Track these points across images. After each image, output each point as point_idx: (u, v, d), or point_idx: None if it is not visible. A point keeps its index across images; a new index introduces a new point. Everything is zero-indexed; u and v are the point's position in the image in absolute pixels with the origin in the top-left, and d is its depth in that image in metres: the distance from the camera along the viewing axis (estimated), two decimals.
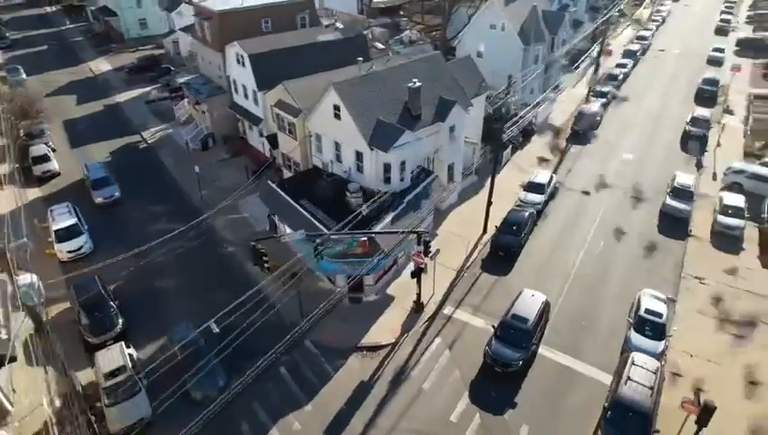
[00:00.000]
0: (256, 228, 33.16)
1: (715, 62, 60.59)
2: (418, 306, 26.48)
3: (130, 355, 22.60)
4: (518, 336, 23.02)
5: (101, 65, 64.53)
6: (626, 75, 55.49)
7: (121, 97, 54.23)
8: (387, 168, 27.87)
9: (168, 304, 27.37)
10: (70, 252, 30.20)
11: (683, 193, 33.12)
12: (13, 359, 20.91)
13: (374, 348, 24.65)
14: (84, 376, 22.78)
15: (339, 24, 42.51)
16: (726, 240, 30.84)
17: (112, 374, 21.22)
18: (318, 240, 23.46)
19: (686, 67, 59.98)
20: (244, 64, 36.79)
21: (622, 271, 28.95)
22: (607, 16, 56.50)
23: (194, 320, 24.48)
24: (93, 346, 23.40)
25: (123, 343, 23.02)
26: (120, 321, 24.91)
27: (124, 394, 20.73)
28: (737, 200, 31.92)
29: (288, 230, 30.37)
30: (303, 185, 29.78)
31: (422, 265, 24.74)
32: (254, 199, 35.54)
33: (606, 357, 23.72)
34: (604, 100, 48.34)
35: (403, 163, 28.20)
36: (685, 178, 34.22)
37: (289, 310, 26.47)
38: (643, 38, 66.85)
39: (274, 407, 21.75)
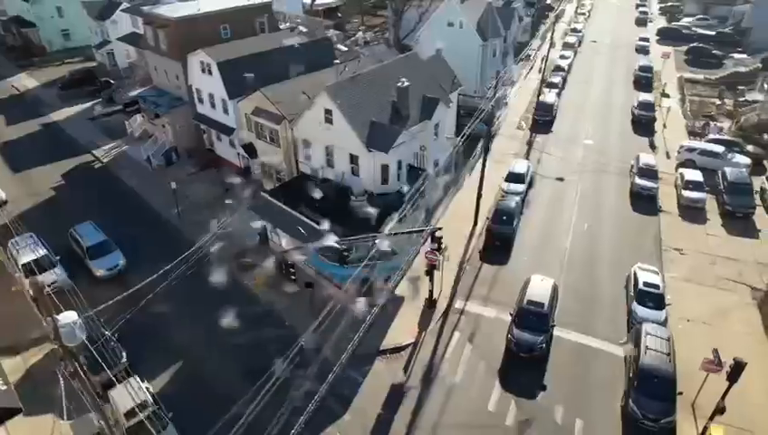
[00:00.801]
0: (247, 242, 31.93)
1: (642, 51, 65.45)
2: (431, 303, 26.71)
3: (147, 389, 21.08)
4: (536, 321, 23.84)
5: (26, 81, 59.38)
6: (569, 66, 58.76)
7: (59, 115, 50.16)
8: (384, 169, 27.83)
9: (167, 332, 25.78)
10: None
11: (649, 172, 35.68)
12: (17, 411, 18.83)
13: (396, 350, 24.58)
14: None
15: (302, 28, 41.70)
16: (692, 213, 33.59)
17: (134, 412, 19.68)
18: (344, 245, 22.99)
19: (619, 56, 64.49)
20: (210, 73, 35.21)
21: (609, 249, 30.74)
22: (557, 12, 59.49)
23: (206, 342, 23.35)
24: (102, 385, 21.56)
25: (137, 376, 21.40)
26: (124, 354, 23.18)
27: (152, 432, 19.28)
28: (697, 175, 34.86)
29: (284, 241, 29.68)
30: (296, 193, 29.00)
31: (435, 263, 24.99)
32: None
33: (615, 331, 25.15)
34: (557, 90, 50.93)
35: (399, 163, 28.31)
36: (648, 159, 36.88)
37: (298, 320, 25.85)
38: (576, 30, 71.07)
39: (311, 421, 21.10)
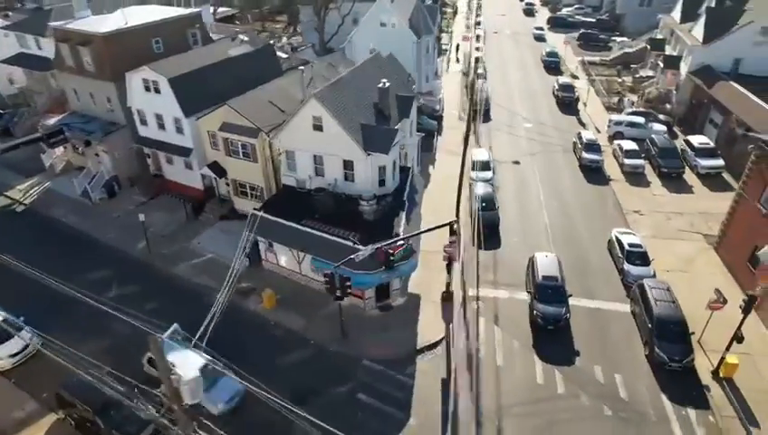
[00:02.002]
0: (235, 265, 29.87)
1: (540, 39, 71.73)
2: (449, 295, 27.23)
3: None
4: (555, 294, 25.49)
5: None
6: (484, 57, 62.57)
7: None
8: (381, 170, 27.73)
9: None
10: (12, 356, 23.73)
11: (593, 147, 39.50)
12: None
13: (432, 346, 24.80)
14: None
15: (243, 37, 39.53)
16: (636, 178, 37.86)
17: None
18: (391, 251, 22.57)
19: (522, 44, 69.93)
20: (158, 91, 32.24)
21: (581, 219, 33.62)
22: (453, 6, 62.59)
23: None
24: None
25: None
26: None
27: None
28: (633, 145, 39.32)
29: (283, 258, 28.40)
30: (290, 207, 27.77)
31: (454, 255, 25.57)
32: (210, 235, 32.08)
33: (615, 291, 27.71)
34: (483, 80, 54.00)
35: (394, 163, 28.40)
36: (589, 135, 40.79)
37: (322, 335, 25.10)
38: (478, 23, 75.68)
39: (379, 432, 20.64)
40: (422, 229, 25.72)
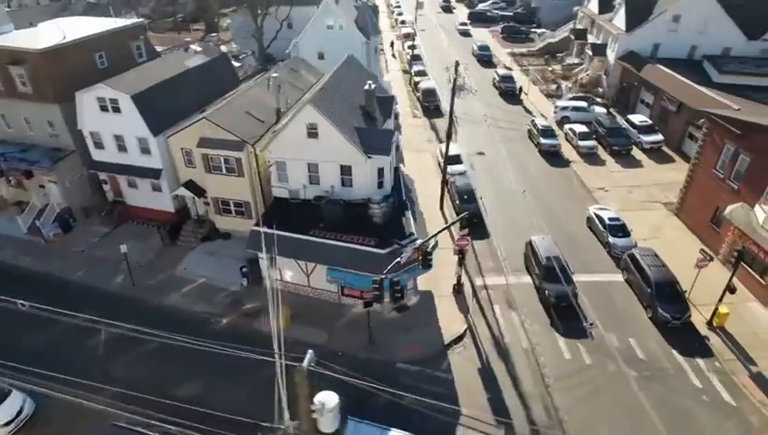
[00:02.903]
0: (230, 288, 28.27)
1: (465, 34, 74.67)
2: (459, 287, 27.82)
3: None
4: (561, 273, 26.96)
5: None
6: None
7: None
8: (380, 172, 27.58)
9: (205, 407, 21.87)
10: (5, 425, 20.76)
11: (549, 132, 42.07)
12: None
13: (458, 339, 25.21)
14: None
15: (195, 47, 37.08)
16: (591, 158, 40.90)
17: None
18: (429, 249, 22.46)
19: (450, 40, 72.29)
20: (118, 110, 29.53)
21: (555, 200, 35.70)
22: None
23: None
24: None
25: None
26: None
27: None
28: (585, 128, 42.39)
29: (289, 273, 27.40)
30: (291, 220, 26.71)
31: (466, 248, 26.19)
32: (195, 259, 30.10)
33: (605, 264, 29.84)
34: (427, 76, 55.25)
35: (390, 163, 28.36)
36: (543, 121, 43.38)
37: (348, 345, 24.62)
38: (404, 22, 77.12)
39: (438, 430, 20.65)
40: (445, 226, 25.99)
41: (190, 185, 30.56)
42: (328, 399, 10.92)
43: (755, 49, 44.82)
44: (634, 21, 46.89)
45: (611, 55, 49.90)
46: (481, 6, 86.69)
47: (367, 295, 25.93)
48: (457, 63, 30.41)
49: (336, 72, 31.23)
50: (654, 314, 25.64)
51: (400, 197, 28.45)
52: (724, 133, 28.87)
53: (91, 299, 27.38)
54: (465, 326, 25.87)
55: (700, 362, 23.77)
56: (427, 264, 23.12)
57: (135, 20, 38.47)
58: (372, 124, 29.07)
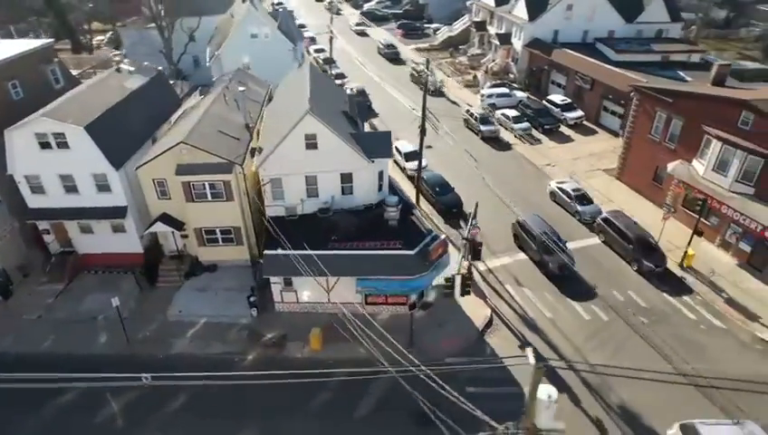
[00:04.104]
0: (240, 321, 26.10)
1: (362, 34, 75.75)
2: (470, 275, 28.72)
3: None
4: (557, 245, 29.26)
5: None
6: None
7: None
8: (380, 175, 27.38)
9: None
10: None
11: (487, 120, 44.81)
12: None
13: (489, 323, 26.17)
14: None
15: (127, 67, 32.58)
16: (527, 138, 44.45)
17: None
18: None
19: (349, 40, 72.74)
20: (66, 145, 25.48)
21: (512, 180, 38.25)
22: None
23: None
24: None
25: None
26: None
27: None
28: (516, 112, 45.82)
29: (306, 293, 26.15)
30: (298, 238, 25.38)
31: (477, 237, 27.25)
32: (186, 299, 27.33)
33: (579, 230, 32.88)
34: (347, 78, 55.24)
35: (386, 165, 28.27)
36: (479, 110, 45.97)
37: (390, 353, 24.26)
38: (303, 26, 75.80)
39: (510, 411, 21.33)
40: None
41: (166, 218, 27.44)
42: (552, 392, 11.01)
43: (633, 30, 52.14)
44: (535, 11, 51.69)
45: (518, 43, 54.47)
46: (368, 6, 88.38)
47: (394, 299, 25.98)
48: (428, 61, 31.17)
49: (314, 79, 30.07)
50: (639, 267, 29.04)
51: (401, 197, 28.52)
52: (655, 102, 33.44)
53: (77, 367, 23.35)
54: (489, 310, 26.97)
55: (687, 298, 27.56)
56: (477, 255, 23.64)
57: (44, 40, 33.06)
58: (356, 128, 28.71)
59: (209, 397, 21.94)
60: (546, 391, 11.03)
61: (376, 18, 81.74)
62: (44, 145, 25.51)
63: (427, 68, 30.95)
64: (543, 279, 28.97)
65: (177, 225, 27.59)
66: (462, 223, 30.92)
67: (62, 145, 25.55)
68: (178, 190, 26.40)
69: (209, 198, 26.52)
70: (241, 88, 29.45)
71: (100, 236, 28.52)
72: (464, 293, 23.63)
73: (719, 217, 30.07)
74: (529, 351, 11.28)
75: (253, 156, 26.80)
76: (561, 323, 26.10)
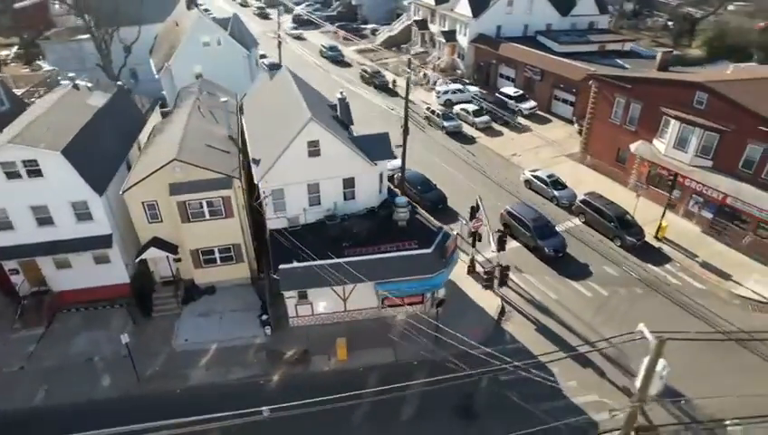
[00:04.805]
0: (254, 341, 24.87)
1: (298, 38, 74.51)
2: (473, 267, 29.40)
3: None
4: (549, 230, 30.72)
5: None
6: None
7: None
8: (381, 177, 27.20)
9: None
10: None
11: (449, 116, 45.86)
12: None
13: (501, 312, 26.88)
14: None
15: (85, 83, 29.41)
16: (489, 131, 46.02)
17: None
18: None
19: (290, 44, 71.12)
20: (39, 173, 22.92)
21: (495, 171, 39.45)
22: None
23: None
24: None
25: None
26: None
27: None
28: (475, 107, 47.25)
29: (322, 304, 25.45)
30: (309, 248, 24.64)
31: (480, 228, 27.92)
32: (189, 326, 25.69)
33: (559, 214, 34.61)
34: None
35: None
36: (439, 106, 46.91)
37: (417, 353, 24.41)
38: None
39: (541, 393, 22.10)
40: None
41: (158, 243, 25.50)
42: (664, 363, 11.53)
43: (567, 23, 55.62)
44: (478, 7, 53.55)
45: (463, 40, 56.15)
46: (298, 9, 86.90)
47: (410, 300, 25.99)
48: (410, 61, 31.33)
49: (302, 86, 29.18)
50: (623, 242, 31.16)
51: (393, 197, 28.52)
52: (613, 89, 35.97)
53: (84, 418, 21.26)
54: (499, 299, 27.73)
55: (668, 266, 29.99)
56: (503, 246, 24.12)
57: None
58: (345, 130, 28.32)
59: (255, 426, 20.72)
60: (660, 362, 11.65)
61: (309, 23, 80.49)
62: (11, 175, 22.76)
63: (409, 67, 31.13)
64: (540, 263, 30.23)
65: (170, 248, 25.73)
66: (461, 218, 31.34)
67: (34, 173, 22.94)
68: (172, 211, 24.68)
69: (207, 216, 25.02)
70: (223, 99, 27.99)
71: (81, 270, 25.93)
72: (502, 284, 24.00)
73: (681, 190, 32.95)
74: (642, 325, 11.75)
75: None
76: (567, 302, 27.43)
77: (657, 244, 31.68)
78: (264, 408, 14.41)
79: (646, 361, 11.84)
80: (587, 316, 26.50)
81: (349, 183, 26.36)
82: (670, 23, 74.41)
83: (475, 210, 27.81)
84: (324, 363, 23.88)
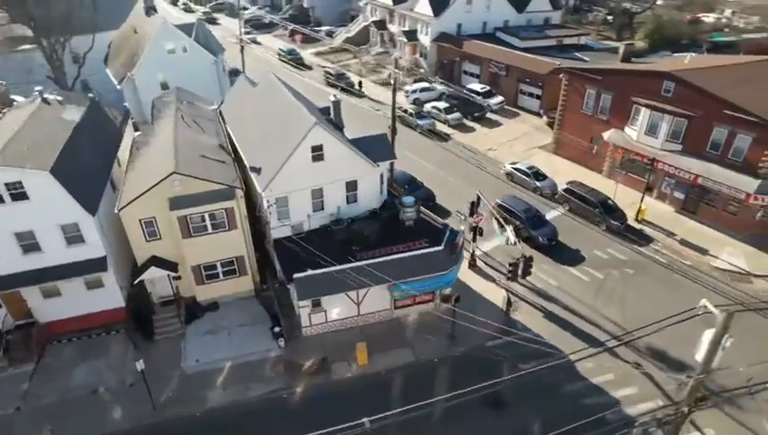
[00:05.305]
0: (269, 355, 24.10)
1: (254, 42, 72.79)
2: (474, 261, 29.86)
3: None
4: (539, 219, 31.73)
5: None
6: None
7: None
8: (381, 178, 27.09)
9: None
10: None
11: (422, 115, 46.32)
12: None
13: (509, 303, 27.45)
14: None
15: (54, 96, 27.05)
16: (462, 127, 46.86)
17: None
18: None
19: (247, 48, 69.36)
20: (24, 196, 21.16)
21: (463, 167, 40.08)
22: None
23: None
24: None
25: None
26: None
27: None
28: (446, 104, 47.92)
29: (335, 310, 25.10)
30: (319, 255, 24.14)
31: (480, 223, 28.42)
32: (197, 346, 24.60)
33: (542, 203, 35.79)
34: None
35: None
36: (411, 106, 47.23)
37: (435, 351, 24.58)
38: None
39: (561, 378, 22.83)
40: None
41: (157, 262, 24.17)
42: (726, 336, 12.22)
43: (523, 19, 57.56)
44: (439, 7, 54.35)
45: (424, 39, 56.81)
46: (248, 13, 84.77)
47: (420, 299, 26.09)
48: (396, 61, 31.34)
49: (281, 88, 28.50)
50: (607, 227, 32.69)
51: (392, 197, 28.55)
52: (584, 81, 37.62)
53: None
54: (504, 290, 28.32)
55: (652, 246, 31.74)
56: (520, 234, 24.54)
57: None
58: (339, 130, 28.04)
59: None
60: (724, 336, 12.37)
61: (262, 25, 78.90)
62: None
63: (396, 66, 31.15)
64: (535, 252, 31.08)
65: (171, 266, 24.46)
66: (458, 213, 31.65)
67: (19, 197, 21.14)
68: (171, 227, 23.50)
69: (209, 229, 23.99)
70: (212, 107, 26.91)
71: (71, 297, 24.14)
72: (525, 274, 24.44)
73: (654, 173, 34.96)
74: (705, 301, 12.43)
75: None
76: (568, 288, 28.46)
77: (638, 226, 33.47)
78: (364, 419, 14.05)
79: (709, 333, 12.53)
80: (588, 299, 27.59)
81: (351, 186, 26.11)
82: (609, 17, 78.69)
83: (475, 205, 28.22)
84: (346, 370, 23.51)
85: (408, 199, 26.02)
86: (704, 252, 31.13)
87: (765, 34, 67.89)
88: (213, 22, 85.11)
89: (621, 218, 32.65)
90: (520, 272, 23.85)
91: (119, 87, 40.03)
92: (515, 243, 25.11)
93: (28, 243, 22.28)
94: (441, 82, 55.41)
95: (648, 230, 33.08)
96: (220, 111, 31.93)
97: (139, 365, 20.18)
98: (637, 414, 20.95)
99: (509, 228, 25.40)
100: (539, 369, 20.09)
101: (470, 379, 19.36)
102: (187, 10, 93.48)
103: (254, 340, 24.67)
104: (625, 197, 34.64)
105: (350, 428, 14.09)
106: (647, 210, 33.71)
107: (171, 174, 22.45)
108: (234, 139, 28.86)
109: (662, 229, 33.02)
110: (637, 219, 33.71)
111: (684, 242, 31.90)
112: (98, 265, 23.39)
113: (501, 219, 27.23)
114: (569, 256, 30.81)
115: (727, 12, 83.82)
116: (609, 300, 27.52)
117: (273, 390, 22.50)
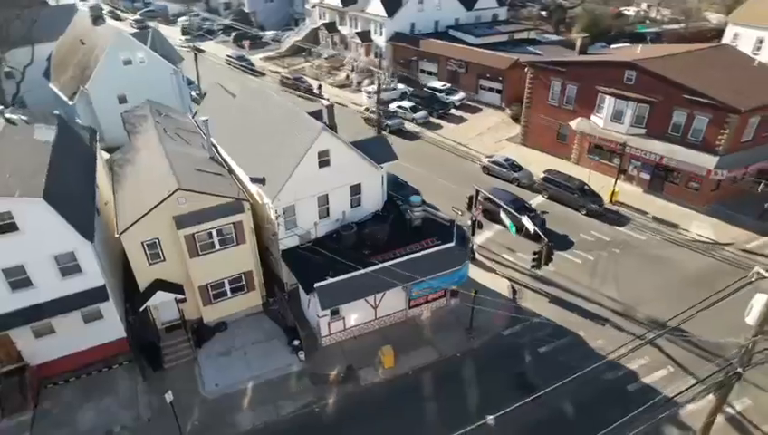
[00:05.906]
0: (291, 369, 23.31)
1: (198, 50, 69.51)
2: (473, 253, 30.39)
3: None
4: (528, 209, 32.73)
5: None
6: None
7: None
8: (383, 180, 26.93)
9: None
10: None
11: (392, 115, 46.46)
12: None
13: (513, 291, 28.26)
14: None
15: (17, 116, 24.16)
16: (429, 125, 47.47)
17: None
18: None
19: (189, 57, 66.30)
20: (13, 227, 19.14)
21: (439, 164, 40.77)
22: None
23: None
24: None
25: None
26: None
27: None
28: (411, 103, 48.34)
29: (354, 316, 24.75)
30: (333, 264, 23.58)
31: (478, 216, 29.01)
32: (213, 370, 23.43)
33: (522, 193, 36.95)
34: None
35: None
36: (382, 106, 47.11)
37: (455, 345, 24.88)
38: None
39: (575, 360, 23.75)
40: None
41: (162, 286, 22.64)
42: None
43: (473, 17, 59.20)
44: (392, 7, 54.68)
45: (379, 39, 56.95)
46: (182, 21, 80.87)
47: (434, 296, 26.28)
48: (380, 62, 31.15)
49: (269, 96, 27.57)
50: (588, 211, 34.44)
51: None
52: (549, 73, 39.34)
53: None
54: (506, 280, 29.11)
55: (630, 225, 33.82)
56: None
57: None
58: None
59: None
60: None
61: (196, 36, 75.55)
62: None
63: (380, 66, 31.02)
64: (526, 241, 32.16)
65: (177, 289, 23.03)
66: (455, 209, 32.11)
67: (8, 228, 19.08)
68: (176, 248, 22.14)
69: (217, 246, 22.83)
70: (203, 118, 25.55)
71: (67, 334, 22.09)
72: (548, 261, 25.03)
73: (621, 157, 37.23)
74: (758, 268, 13.48)
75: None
76: (565, 271, 29.69)
77: (613, 207, 35.51)
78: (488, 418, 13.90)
79: (760, 297, 13.61)
80: (585, 280, 28.97)
81: (356, 190, 25.82)
82: (543, 12, 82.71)
83: (474, 199, 28.75)
84: (373, 375, 23.21)
85: (416, 198, 26.07)
86: (675, 227, 33.56)
87: (683, 25, 74.18)
88: (180, 27, 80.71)
89: (599, 203, 34.51)
90: (543, 259, 24.51)
91: (70, 103, 37.04)
92: (534, 231, 25.80)
93: (17, 279, 20.15)
94: (401, 81, 55.97)
95: (623, 211, 35.19)
96: (205, 122, 30.42)
97: (168, 397, 18.76)
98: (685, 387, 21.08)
99: (525, 218, 26.08)
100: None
101: (496, 369, 19.75)
102: (115, 18, 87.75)
103: (271, 356, 23.76)
104: (596, 181, 36.65)
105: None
106: (619, 192, 35.87)
107: (176, 190, 21.13)
108: (221, 150, 27.61)
109: (635, 209, 35.23)
110: (611, 201, 35.76)
111: (656, 219, 34.23)
112: (98, 295, 21.55)
113: (512, 211, 27.94)
114: (558, 242, 32.00)
115: (644, 5, 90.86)
116: (604, 279, 29.03)
117: (304, 405, 21.81)
